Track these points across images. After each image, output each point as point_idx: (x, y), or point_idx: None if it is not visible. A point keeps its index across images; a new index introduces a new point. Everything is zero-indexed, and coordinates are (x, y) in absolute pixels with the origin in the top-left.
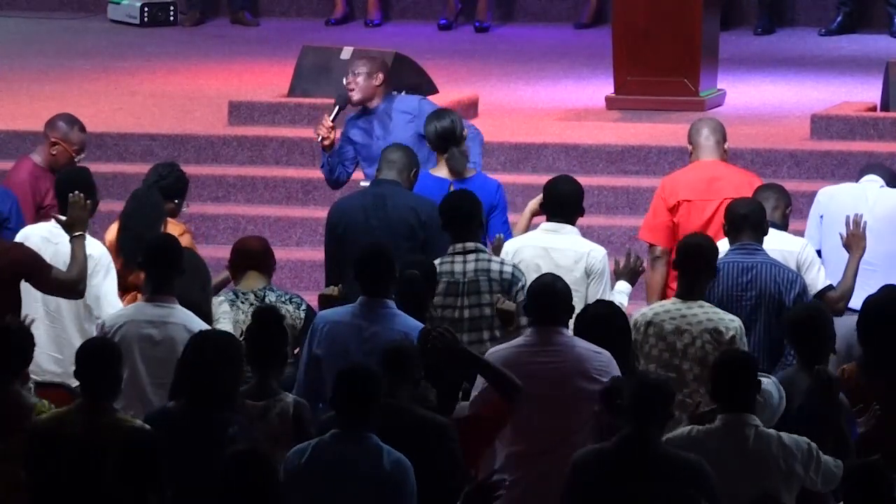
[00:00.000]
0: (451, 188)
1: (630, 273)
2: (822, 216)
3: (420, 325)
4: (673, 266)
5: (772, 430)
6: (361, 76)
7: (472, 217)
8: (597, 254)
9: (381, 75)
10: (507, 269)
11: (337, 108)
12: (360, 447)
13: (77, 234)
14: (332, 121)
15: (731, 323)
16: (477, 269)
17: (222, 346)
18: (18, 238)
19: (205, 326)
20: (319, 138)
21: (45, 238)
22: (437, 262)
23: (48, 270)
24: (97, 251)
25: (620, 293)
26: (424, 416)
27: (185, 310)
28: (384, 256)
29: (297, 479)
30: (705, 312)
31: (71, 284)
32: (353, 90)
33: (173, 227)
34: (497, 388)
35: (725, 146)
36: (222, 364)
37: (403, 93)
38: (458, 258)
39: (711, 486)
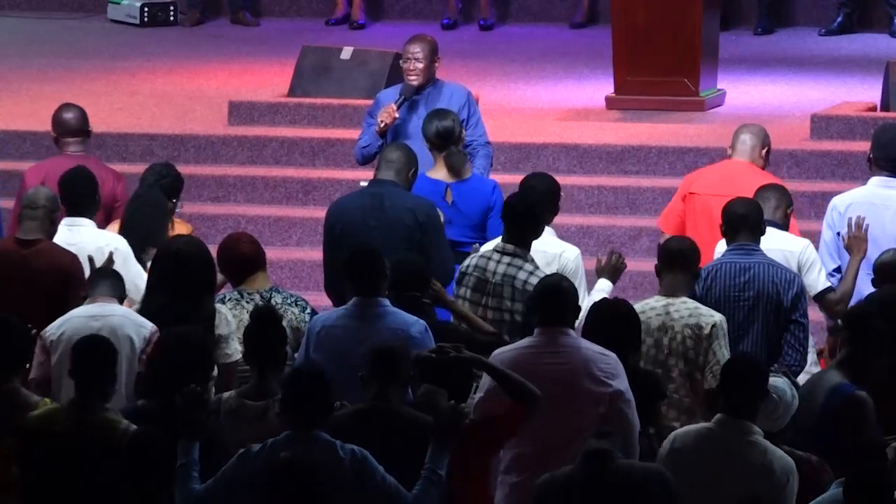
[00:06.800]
0: (448, 191)
1: (611, 271)
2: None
3: (417, 319)
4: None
5: (769, 445)
6: (422, 62)
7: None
8: (569, 254)
9: (437, 62)
10: (533, 280)
11: (402, 97)
12: (313, 447)
13: None
14: (398, 109)
15: (710, 318)
16: (505, 273)
17: (191, 344)
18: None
19: (146, 323)
20: (382, 124)
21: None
22: (476, 255)
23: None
24: (122, 244)
25: (600, 292)
26: (415, 418)
27: (122, 307)
28: (375, 256)
29: (250, 480)
30: (688, 308)
31: None
32: (415, 76)
33: (180, 227)
34: (514, 395)
35: (763, 152)
36: (191, 363)
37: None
38: (495, 255)
39: (671, 495)
